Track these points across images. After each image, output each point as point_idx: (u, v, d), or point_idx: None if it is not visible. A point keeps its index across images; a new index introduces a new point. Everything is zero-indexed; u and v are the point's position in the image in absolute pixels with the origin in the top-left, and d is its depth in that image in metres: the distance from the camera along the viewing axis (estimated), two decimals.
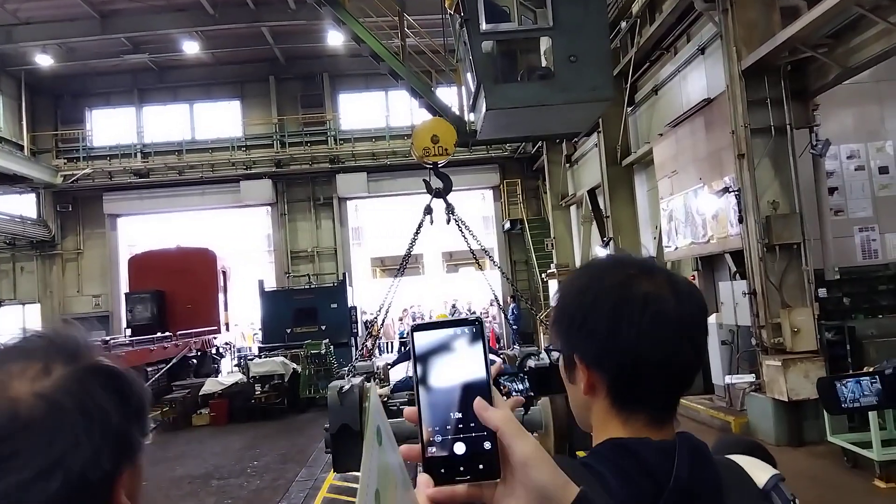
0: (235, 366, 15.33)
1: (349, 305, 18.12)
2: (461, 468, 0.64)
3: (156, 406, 13.98)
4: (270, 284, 20.86)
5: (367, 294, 21.43)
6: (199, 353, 17.63)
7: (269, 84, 23.48)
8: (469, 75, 10.58)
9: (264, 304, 17.96)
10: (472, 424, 0.65)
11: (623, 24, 12.39)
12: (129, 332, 18.53)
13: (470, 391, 0.65)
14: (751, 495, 0.93)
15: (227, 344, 20.51)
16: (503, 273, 10.72)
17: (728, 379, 8.96)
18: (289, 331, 16.87)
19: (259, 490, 8.14)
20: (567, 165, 17.40)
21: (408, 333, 0.67)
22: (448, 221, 8.69)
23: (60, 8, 18.96)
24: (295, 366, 13.68)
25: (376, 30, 12.52)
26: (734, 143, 8.45)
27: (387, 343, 24.96)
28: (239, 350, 19.97)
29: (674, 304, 0.92)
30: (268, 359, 13.98)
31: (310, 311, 17.39)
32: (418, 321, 0.71)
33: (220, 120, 23.49)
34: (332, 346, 14.60)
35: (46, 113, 23.45)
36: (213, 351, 18.89)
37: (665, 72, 11.45)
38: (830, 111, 8.73)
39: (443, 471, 0.64)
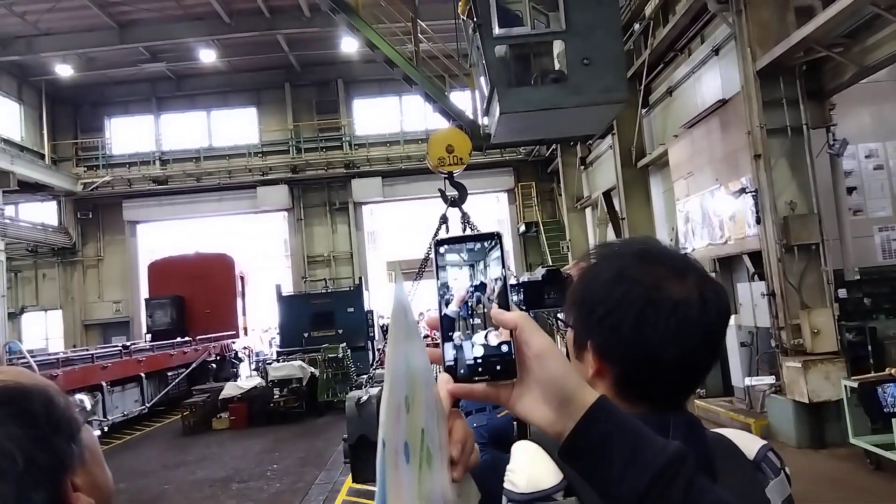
0: (254, 370, 15.46)
1: (366, 309, 18.20)
2: (480, 369, 0.68)
3: (176, 410, 14.15)
4: (287, 289, 21.00)
5: (383, 298, 21.51)
6: (218, 358, 17.80)
7: (284, 91, 23.69)
8: (482, 79, 10.62)
9: (282, 309, 18.10)
10: (491, 328, 0.68)
11: (636, 25, 12.36)
12: (149, 336, 18.76)
13: (488, 282, 0.69)
14: (742, 465, 0.94)
15: (245, 348, 20.67)
16: (513, 274, 10.74)
17: (748, 381, 8.89)
18: (306, 335, 16.97)
19: (279, 493, 8.22)
20: (582, 168, 17.37)
21: (432, 247, 0.71)
22: (464, 230, 8.74)
23: (80, 18, 19.29)
24: (313, 370, 13.77)
25: (390, 36, 12.60)
26: (750, 144, 8.40)
27: None
28: (257, 354, 20.11)
29: (700, 311, 0.91)
30: (286, 363, 14.10)
31: (327, 316, 17.48)
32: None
33: (237, 127, 23.75)
34: (349, 350, 14.68)
35: (66, 122, 23.85)
36: (232, 355, 19.06)
37: (679, 73, 11.41)
38: (847, 110, 8.65)
39: (462, 371, 0.68)
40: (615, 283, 0.92)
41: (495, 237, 0.69)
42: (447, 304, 0.69)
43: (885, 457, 6.28)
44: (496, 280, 0.69)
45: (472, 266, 0.70)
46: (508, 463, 0.88)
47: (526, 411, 0.69)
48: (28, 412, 0.73)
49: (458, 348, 0.68)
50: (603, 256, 0.98)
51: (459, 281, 0.70)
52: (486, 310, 0.69)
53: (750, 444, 0.98)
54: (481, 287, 0.69)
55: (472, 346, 0.68)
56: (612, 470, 0.66)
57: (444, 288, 0.70)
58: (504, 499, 0.85)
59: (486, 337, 0.69)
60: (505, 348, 0.67)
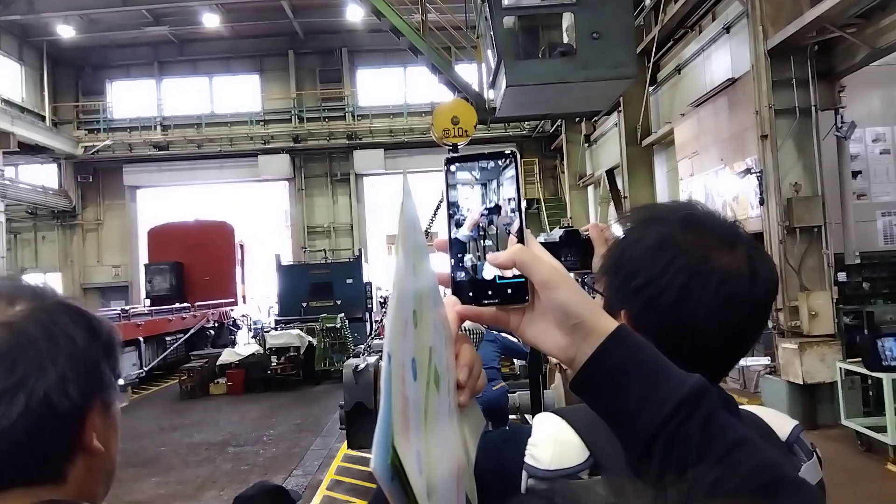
0: (252, 337, 15.55)
1: (364, 281, 18.24)
2: (489, 292, 0.65)
3: (174, 374, 14.23)
4: (287, 259, 21.02)
5: (382, 270, 21.54)
6: (216, 325, 17.88)
7: (287, 58, 23.45)
8: (490, 52, 10.50)
9: (281, 278, 18.13)
10: (500, 238, 0.66)
11: (647, 1, 12.19)
12: (148, 302, 18.83)
13: (502, 203, 0.66)
14: (775, 446, 0.89)
15: (243, 316, 20.76)
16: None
17: (742, 361, 8.94)
18: (304, 304, 17.03)
19: (275, 457, 8.30)
20: (586, 145, 17.27)
21: (444, 164, 0.67)
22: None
23: None
24: (310, 339, 13.84)
25: (397, 4, 12.43)
26: (758, 124, 8.33)
27: None
28: (255, 322, 20.21)
29: (749, 285, 0.84)
30: (284, 331, 14.16)
31: (325, 286, 17.53)
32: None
33: (239, 94, 23.56)
34: (347, 321, 14.74)
35: (67, 84, 23.64)
36: (231, 322, 19.15)
37: (689, 51, 11.29)
38: (857, 93, 8.57)
39: (471, 294, 0.65)
40: (658, 250, 0.85)
41: (510, 156, 0.66)
42: (458, 226, 0.66)
43: (876, 439, 6.34)
44: (510, 200, 0.66)
45: (484, 185, 0.67)
46: (529, 435, 0.83)
47: (536, 337, 0.66)
48: (90, 326, 0.77)
49: (468, 270, 0.66)
50: (643, 221, 0.91)
51: (470, 201, 0.67)
52: (498, 233, 0.66)
53: (782, 423, 0.94)
54: (495, 209, 0.66)
55: (482, 268, 0.65)
56: (627, 403, 0.62)
57: (454, 208, 0.67)
58: (524, 474, 0.81)
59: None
60: (516, 271, 0.65)
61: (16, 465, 0.70)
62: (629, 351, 0.63)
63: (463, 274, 0.66)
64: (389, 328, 0.52)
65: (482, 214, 0.66)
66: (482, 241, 0.66)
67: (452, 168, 0.67)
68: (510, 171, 0.66)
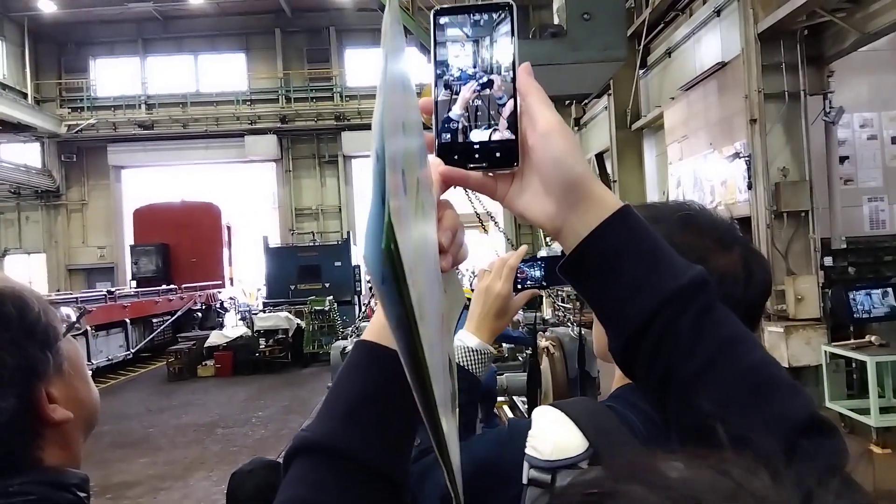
0: (240, 319, 15.51)
1: (353, 264, 18.20)
2: (476, 155, 0.60)
3: (161, 356, 14.18)
4: (275, 241, 20.91)
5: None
6: (203, 307, 17.80)
7: (274, 37, 23.14)
8: None
9: (269, 261, 18.05)
10: (493, 112, 0.60)
11: None
12: (134, 283, 18.69)
13: (496, 72, 0.60)
14: None
15: (231, 299, 20.68)
16: (507, 237, 10.72)
17: None
18: (293, 287, 16.98)
19: (263, 439, 8.32)
20: (575, 128, 17.23)
21: (432, 17, 0.61)
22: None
23: None
24: (299, 321, 13.81)
25: None
26: (747, 109, 8.35)
27: None
28: (242, 305, 20.15)
29: (744, 286, 0.86)
30: (272, 314, 14.13)
31: (314, 269, 17.48)
32: None
33: (225, 73, 23.24)
34: (335, 304, 14.72)
35: (50, 61, 23.21)
36: (218, 305, 19.07)
37: (679, 34, 11.24)
38: (845, 78, 8.59)
39: (456, 157, 0.60)
40: None
41: (505, 7, 0.60)
42: (446, 87, 0.60)
43: (860, 421, 6.45)
44: (505, 69, 0.60)
45: (476, 42, 0.60)
46: (528, 429, 0.84)
47: (524, 206, 0.61)
48: (3, 321, 0.71)
49: (454, 132, 0.60)
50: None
51: (460, 59, 0.61)
52: (490, 111, 0.60)
53: None
54: (488, 84, 0.60)
55: (471, 128, 0.60)
56: (619, 290, 0.58)
57: (442, 67, 0.61)
58: (526, 465, 0.82)
59: (487, 117, 0.60)
60: (508, 133, 0.59)
61: None
62: (631, 233, 0.59)
63: (449, 136, 0.60)
64: (377, 126, 0.48)
65: (474, 91, 0.60)
66: (475, 114, 0.60)
67: (442, 21, 0.61)
68: (505, 27, 0.60)
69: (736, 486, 0.32)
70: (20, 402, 0.70)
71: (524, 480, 0.81)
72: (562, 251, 0.63)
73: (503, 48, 0.60)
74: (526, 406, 5.56)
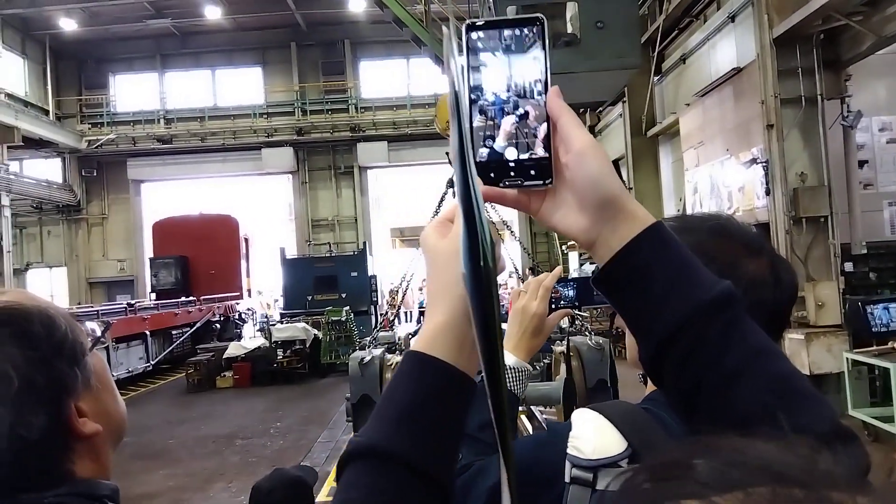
0: (258, 330, 15.61)
1: (369, 274, 18.25)
2: (511, 173, 0.62)
3: (180, 368, 14.30)
4: (291, 252, 21.05)
5: (386, 263, 21.54)
6: (222, 318, 17.94)
7: (290, 51, 23.39)
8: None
9: (286, 272, 18.15)
10: (527, 130, 0.62)
11: None
12: (153, 296, 18.88)
13: (528, 94, 0.62)
14: None
15: (248, 310, 20.83)
16: (522, 245, 10.70)
17: None
18: (310, 298, 17.06)
19: (282, 450, 8.34)
20: None
21: (465, 31, 0.62)
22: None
23: None
24: (316, 332, 13.87)
25: None
26: (763, 114, 8.29)
27: (406, 313, 25.16)
28: (262, 316, 20.29)
29: (772, 292, 0.90)
30: (290, 324, 14.20)
31: (330, 279, 17.55)
32: None
33: (242, 87, 23.51)
34: (352, 314, 14.77)
35: (71, 78, 23.63)
36: (236, 316, 19.21)
37: (693, 40, 11.21)
38: (863, 82, 8.51)
39: (492, 175, 0.62)
40: None
41: (537, 22, 0.60)
42: (481, 112, 0.62)
43: (884, 429, 6.33)
44: (538, 93, 0.61)
45: (507, 60, 0.61)
46: (568, 430, 0.88)
47: (558, 220, 0.64)
48: (27, 333, 0.72)
49: (490, 150, 0.62)
50: (676, 230, 0.95)
51: (493, 81, 0.61)
52: (527, 141, 0.62)
53: None
54: (525, 115, 0.62)
55: (507, 146, 0.62)
56: (650, 299, 0.61)
57: (476, 92, 0.62)
58: (568, 465, 0.85)
59: (522, 135, 0.62)
60: (542, 151, 0.61)
61: (17, 488, 0.70)
62: (663, 247, 0.62)
63: (485, 153, 0.63)
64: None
65: (513, 124, 0.62)
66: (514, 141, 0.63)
67: (473, 36, 0.61)
68: (536, 44, 0.61)
69: (808, 461, 0.34)
70: (52, 419, 0.72)
71: (566, 479, 0.85)
72: (593, 270, 0.66)
73: (535, 68, 0.61)
74: (544, 417, 5.55)
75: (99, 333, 0.89)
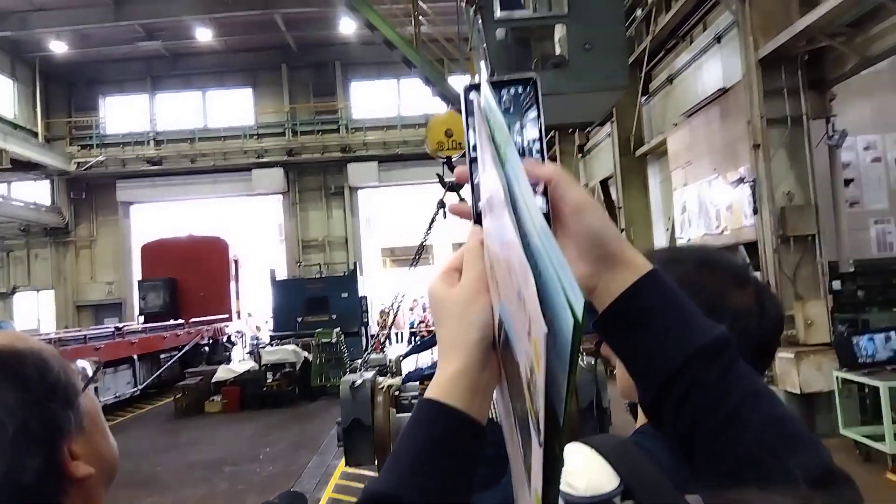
0: (248, 353, 15.46)
1: (360, 295, 18.17)
2: None
3: (168, 392, 14.12)
4: (282, 273, 20.96)
5: (377, 284, 21.46)
6: (211, 341, 17.77)
7: (281, 72, 23.50)
8: (483, 63, 10.51)
9: (276, 293, 18.05)
10: None
11: (638, 12, 12.26)
12: (141, 319, 18.71)
13: (527, 153, 0.64)
14: None
15: (238, 332, 20.65)
16: None
17: None
18: (300, 319, 16.95)
19: (272, 476, 8.21)
20: (579, 156, 17.29)
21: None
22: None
23: None
24: (306, 354, 13.75)
25: (390, 16, 12.46)
26: (750, 134, 8.36)
27: (397, 333, 25.04)
28: (253, 338, 20.12)
29: (759, 321, 0.92)
30: (279, 347, 14.07)
31: (321, 301, 17.46)
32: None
33: (233, 108, 23.58)
34: (343, 336, 14.66)
35: (60, 100, 23.61)
36: (225, 339, 19.04)
37: (680, 61, 11.34)
38: (848, 101, 8.61)
39: None
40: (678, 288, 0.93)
41: (531, 83, 0.63)
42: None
43: (874, 448, 6.32)
44: (536, 151, 0.63)
45: (504, 114, 0.63)
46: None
47: None
48: (20, 376, 0.71)
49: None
50: (664, 261, 0.97)
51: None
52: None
53: None
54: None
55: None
56: (650, 344, 0.63)
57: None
58: (562, 501, 0.84)
59: None
60: (540, 202, 0.62)
61: None
62: (661, 293, 0.64)
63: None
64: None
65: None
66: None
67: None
68: (531, 105, 0.63)
69: None
70: (45, 462, 0.71)
71: None
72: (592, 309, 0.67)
73: (532, 127, 0.64)
74: None
75: (91, 373, 0.88)
